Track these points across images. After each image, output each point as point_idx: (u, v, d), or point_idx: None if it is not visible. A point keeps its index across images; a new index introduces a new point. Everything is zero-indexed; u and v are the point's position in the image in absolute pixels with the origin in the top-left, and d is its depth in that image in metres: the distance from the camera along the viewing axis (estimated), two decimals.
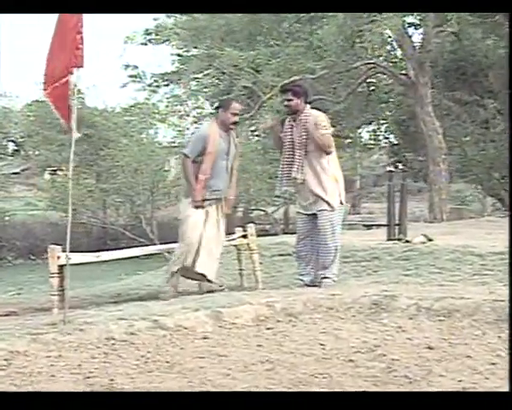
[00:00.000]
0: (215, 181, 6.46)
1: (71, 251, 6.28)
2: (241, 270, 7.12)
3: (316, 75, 14.81)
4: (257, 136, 26.23)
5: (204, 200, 6.42)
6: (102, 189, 22.47)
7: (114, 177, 22.41)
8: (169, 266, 6.70)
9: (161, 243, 14.25)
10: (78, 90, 23.72)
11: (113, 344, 4.46)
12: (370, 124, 23.90)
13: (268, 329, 5.12)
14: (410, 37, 16.12)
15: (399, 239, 8.36)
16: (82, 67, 4.95)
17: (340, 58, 15.02)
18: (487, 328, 4.95)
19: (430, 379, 3.81)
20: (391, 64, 17.13)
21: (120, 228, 22.70)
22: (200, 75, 16.63)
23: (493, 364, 4.08)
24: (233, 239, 6.89)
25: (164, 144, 22.23)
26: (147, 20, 16.24)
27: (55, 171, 26.03)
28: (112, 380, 3.68)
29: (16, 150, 34.15)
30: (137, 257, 12.45)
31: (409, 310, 5.43)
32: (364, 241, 8.44)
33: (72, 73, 5.00)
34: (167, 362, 4.14)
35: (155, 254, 10.89)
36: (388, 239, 8.58)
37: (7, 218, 25.83)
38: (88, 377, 3.73)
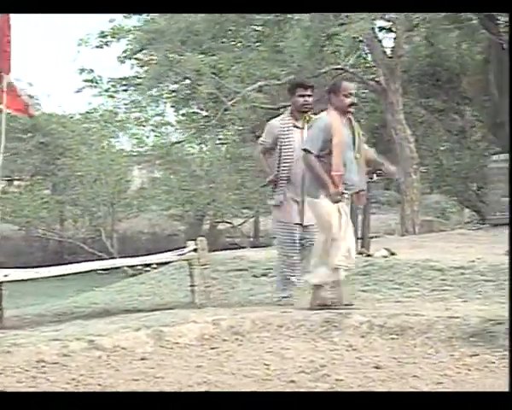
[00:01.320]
0: (348, 175, 5.99)
1: (18, 267, 6.29)
2: (192, 286, 7.12)
3: (282, 81, 14.89)
4: (225, 144, 26.28)
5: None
6: (59, 200, 22.34)
7: (72, 187, 22.32)
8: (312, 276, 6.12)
9: (121, 257, 14.20)
10: (29, 95, 23.63)
11: (43, 367, 4.45)
12: None
13: (212, 348, 5.15)
14: (380, 41, 16.27)
15: (361, 253, 8.42)
16: (7, 73, 4.93)
17: (306, 63, 15.11)
18: (440, 346, 5.03)
19: None
20: (360, 70, 17.28)
21: (78, 241, 22.58)
22: (160, 80, 16.63)
23: (439, 383, 4.14)
24: (183, 254, 6.89)
25: (125, 153, 22.18)
26: (102, 22, 16.20)
27: (11, 181, 25.83)
28: None
29: None
30: (95, 272, 12.36)
31: (361, 328, 5.49)
32: None
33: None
34: (99, 385, 4.13)
35: (111, 269, 10.82)
36: None
37: None
38: None
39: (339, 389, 4.05)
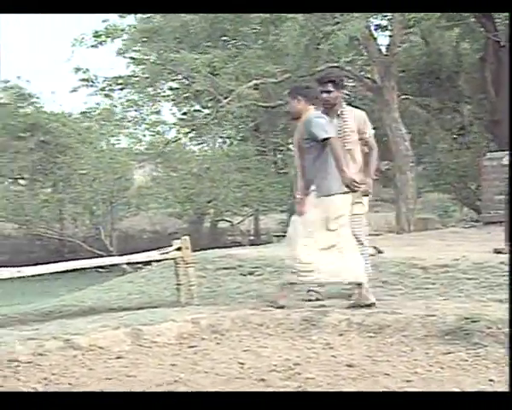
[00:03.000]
0: None
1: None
2: (178, 284, 7.13)
3: (277, 79, 14.88)
4: (225, 142, 26.27)
5: None
6: (59, 199, 22.37)
7: (72, 186, 22.35)
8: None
9: (120, 256, 14.20)
10: (29, 94, 23.70)
11: (17, 366, 4.46)
12: None
13: (190, 347, 5.16)
14: (376, 39, 16.24)
15: None
16: None
17: (302, 61, 15.10)
18: (416, 344, 5.03)
19: None
20: (357, 67, 17.25)
21: (78, 240, 22.61)
22: (155, 79, 16.63)
23: (408, 381, 4.14)
24: (166, 252, 6.91)
25: (124, 152, 22.17)
26: (95, 21, 16.18)
27: (16, 179, 25.88)
28: None
29: None
30: (96, 270, 12.27)
31: (340, 326, 5.50)
32: None
33: None
34: (70, 384, 4.14)
35: (98, 267, 10.84)
36: None
37: None
38: None
39: (308, 388, 4.05)
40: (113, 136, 22.38)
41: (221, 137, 26.15)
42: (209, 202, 23.35)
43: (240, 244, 21.12)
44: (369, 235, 13.22)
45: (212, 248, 13.16)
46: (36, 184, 23.60)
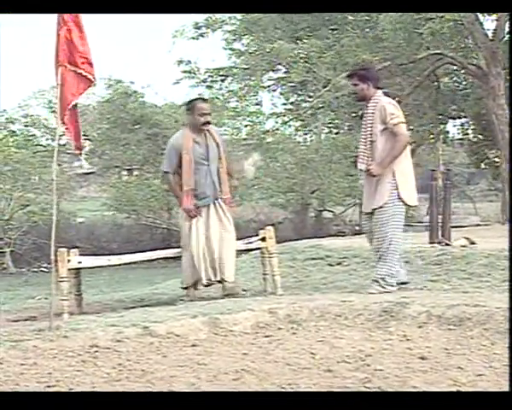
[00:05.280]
0: (201, 189, 6.69)
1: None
2: (264, 274, 7.19)
3: (376, 68, 14.63)
4: (335, 130, 26.03)
5: (197, 207, 6.69)
6: (166, 189, 22.85)
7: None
8: (182, 278, 7.04)
9: None
10: (135, 91, 24.33)
11: (96, 352, 4.62)
12: (453, 119, 23.48)
13: (265, 337, 5.19)
14: (482, 24, 15.67)
15: (439, 242, 8.25)
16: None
17: (402, 49, 14.81)
18: (497, 338, 4.88)
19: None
20: (460, 54, 16.71)
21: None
22: (255, 70, 16.69)
23: (479, 375, 4.03)
24: (250, 243, 6.97)
25: (229, 141, 22.36)
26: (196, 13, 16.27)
27: (131, 171, 26.67)
28: (70, 390, 3.81)
29: (92, 149, 35.08)
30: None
31: (419, 318, 5.40)
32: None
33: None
34: (142, 370, 4.25)
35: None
36: (430, 242, 8.47)
37: (80, 220, 26.46)
38: (48, 386, 3.87)
39: (374, 379, 4.00)
40: (216, 125, 22.56)
41: (328, 127, 25.96)
42: (312, 193, 23.27)
43: (344, 234, 20.97)
44: (477, 225, 12.90)
45: (317, 237, 13.16)
46: (145, 174, 24.21)
